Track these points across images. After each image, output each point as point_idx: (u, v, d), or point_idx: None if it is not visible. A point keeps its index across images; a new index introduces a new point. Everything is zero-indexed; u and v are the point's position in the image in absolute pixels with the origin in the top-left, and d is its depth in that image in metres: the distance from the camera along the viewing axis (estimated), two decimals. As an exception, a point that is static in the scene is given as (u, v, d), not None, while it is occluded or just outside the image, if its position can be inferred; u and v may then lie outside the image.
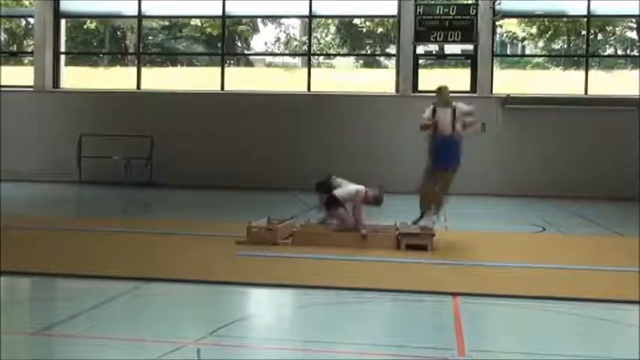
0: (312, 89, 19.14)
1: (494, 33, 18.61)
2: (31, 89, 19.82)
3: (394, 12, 18.85)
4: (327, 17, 20.98)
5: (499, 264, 7.75)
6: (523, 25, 20.52)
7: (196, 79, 20.62)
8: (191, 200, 15.70)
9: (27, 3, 21.92)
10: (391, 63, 19.93)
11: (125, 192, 16.88)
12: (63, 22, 20.25)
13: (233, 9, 19.76)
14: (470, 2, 18.57)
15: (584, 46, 19.20)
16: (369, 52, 22.22)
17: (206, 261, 7.68)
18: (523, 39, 20.99)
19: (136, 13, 19.95)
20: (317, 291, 6.36)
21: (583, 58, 19.11)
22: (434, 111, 10.36)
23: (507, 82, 19.10)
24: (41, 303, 6.20)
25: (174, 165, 18.62)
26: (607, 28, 20.64)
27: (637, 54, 20.31)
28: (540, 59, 21.23)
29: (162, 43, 22.26)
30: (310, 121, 18.65)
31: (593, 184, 17.38)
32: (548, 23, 20.35)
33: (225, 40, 20.02)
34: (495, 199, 16.53)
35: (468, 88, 18.16)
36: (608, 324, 5.67)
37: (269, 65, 22.27)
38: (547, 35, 20.67)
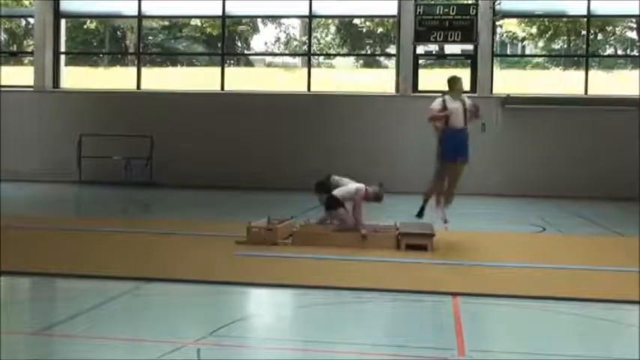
0: (312, 89, 19.13)
1: (494, 33, 18.60)
2: (31, 89, 19.81)
3: (394, 12, 18.83)
4: (327, 17, 20.97)
5: (499, 264, 7.75)
6: (523, 25, 20.50)
7: (196, 79, 20.60)
8: (191, 200, 15.69)
9: (27, 3, 21.91)
10: (391, 63, 19.92)
11: (125, 192, 16.87)
12: (63, 22, 20.24)
13: (233, 9, 19.75)
14: (470, 2, 18.56)
15: (584, 46, 19.18)
16: (369, 52, 22.21)
17: (206, 261, 7.68)
18: (523, 39, 20.98)
19: (136, 13, 19.94)
20: (317, 291, 6.36)
21: (583, 58, 19.10)
22: (444, 102, 10.19)
23: (507, 82, 19.08)
24: (41, 303, 6.21)
25: (174, 165, 18.62)
26: (607, 28, 20.63)
27: (637, 54, 20.30)
28: (540, 59, 21.22)
29: (162, 43, 22.26)
30: (310, 121, 18.64)
31: (593, 184, 17.37)
32: (548, 23, 20.33)
33: (225, 40, 20.01)
34: (495, 199, 16.52)
35: (468, 88, 18.06)
36: (608, 324, 5.67)
37: (269, 65, 22.26)
38: (547, 35, 20.66)
